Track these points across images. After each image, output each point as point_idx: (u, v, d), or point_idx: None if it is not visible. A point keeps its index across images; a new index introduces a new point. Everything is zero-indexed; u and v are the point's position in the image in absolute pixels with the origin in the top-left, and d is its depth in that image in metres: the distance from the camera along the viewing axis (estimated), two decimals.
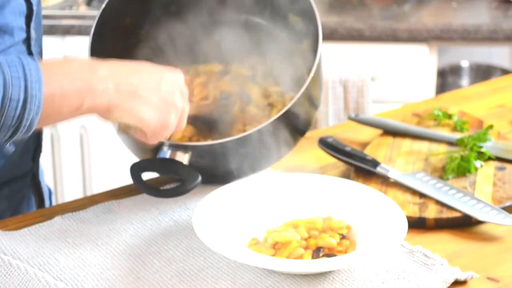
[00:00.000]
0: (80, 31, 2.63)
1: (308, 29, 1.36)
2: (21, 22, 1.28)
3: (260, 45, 1.43)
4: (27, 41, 1.30)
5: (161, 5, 1.43)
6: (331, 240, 1.16)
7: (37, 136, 1.40)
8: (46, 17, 2.64)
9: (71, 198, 1.42)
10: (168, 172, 1.26)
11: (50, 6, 2.73)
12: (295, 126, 1.29)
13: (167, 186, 1.34)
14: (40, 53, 1.37)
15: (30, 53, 1.32)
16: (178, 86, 1.18)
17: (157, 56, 1.45)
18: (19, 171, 1.38)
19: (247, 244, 1.18)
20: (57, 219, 1.27)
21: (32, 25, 1.30)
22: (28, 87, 1.08)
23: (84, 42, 2.59)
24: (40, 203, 1.47)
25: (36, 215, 1.30)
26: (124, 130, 1.20)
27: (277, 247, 1.16)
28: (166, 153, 1.24)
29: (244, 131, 1.29)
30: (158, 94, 1.15)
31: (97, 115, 1.15)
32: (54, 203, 1.50)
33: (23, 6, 1.28)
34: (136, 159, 1.29)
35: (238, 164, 1.27)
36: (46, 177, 2.02)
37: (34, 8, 1.30)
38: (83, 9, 2.75)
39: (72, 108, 1.11)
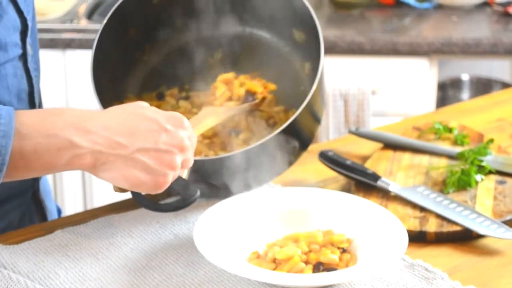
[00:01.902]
0: (80, 44, 2.63)
1: (310, 43, 1.36)
2: (16, 37, 1.27)
3: (264, 60, 1.44)
4: (24, 57, 1.30)
5: (166, 19, 1.43)
6: (333, 257, 1.15)
7: None
8: (47, 30, 2.64)
9: (72, 212, 1.42)
10: (168, 186, 1.26)
11: (50, 19, 2.73)
12: (297, 140, 1.29)
13: (167, 200, 1.34)
14: (37, 69, 1.36)
15: (26, 69, 1.31)
16: (178, 141, 1.07)
17: (160, 71, 1.45)
18: (19, 188, 1.37)
19: (247, 258, 1.18)
20: (57, 233, 1.27)
21: (28, 40, 1.30)
22: None
23: (85, 56, 2.60)
24: (44, 221, 1.45)
25: (37, 229, 1.30)
26: (120, 189, 1.12)
27: (277, 261, 1.16)
28: None
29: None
30: (155, 155, 1.05)
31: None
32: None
33: (17, 22, 1.27)
34: None
35: (239, 179, 1.27)
36: None
37: (29, 23, 1.29)
38: (84, 23, 2.76)
39: (47, 165, 1.05)
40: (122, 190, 1.11)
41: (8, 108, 1.04)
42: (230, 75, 1.37)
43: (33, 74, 1.33)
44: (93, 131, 1.05)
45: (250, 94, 1.35)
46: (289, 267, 1.14)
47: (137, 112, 1.08)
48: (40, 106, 1.39)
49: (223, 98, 1.35)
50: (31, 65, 1.32)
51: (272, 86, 1.37)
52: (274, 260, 1.16)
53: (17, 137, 1.03)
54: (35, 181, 1.42)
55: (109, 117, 1.07)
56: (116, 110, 1.08)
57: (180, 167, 1.09)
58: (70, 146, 1.04)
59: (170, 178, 1.08)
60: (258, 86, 1.36)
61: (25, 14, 1.28)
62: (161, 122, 1.07)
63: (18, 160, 1.03)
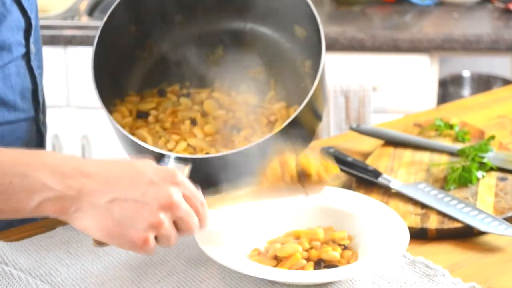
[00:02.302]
0: (82, 41, 2.63)
1: (311, 40, 1.36)
2: (20, 37, 1.27)
3: (265, 56, 1.43)
4: (27, 55, 1.30)
5: (166, 14, 1.43)
6: (334, 254, 1.15)
7: (40, 149, 1.40)
8: (48, 27, 2.64)
9: None
10: None
11: (52, 16, 2.73)
12: (298, 137, 1.29)
13: None
14: (40, 67, 1.37)
15: (29, 67, 1.31)
16: (163, 195, 1.00)
17: (161, 68, 1.45)
18: None
19: (248, 255, 1.18)
20: (58, 230, 1.27)
21: (31, 39, 1.30)
22: None
23: (86, 52, 2.60)
24: (46, 217, 1.46)
25: (38, 226, 1.30)
26: (98, 243, 1.06)
27: (278, 258, 1.16)
28: (167, 165, 1.24)
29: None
30: (132, 206, 0.98)
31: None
32: None
33: (20, 21, 1.27)
34: None
35: (240, 176, 1.27)
36: None
37: (33, 22, 1.29)
38: (85, 19, 2.76)
39: (16, 207, 1.00)
40: (101, 244, 1.05)
41: None
42: (291, 158, 1.21)
43: (36, 72, 1.33)
44: (70, 175, 0.99)
45: (303, 174, 1.20)
46: (290, 264, 1.14)
47: (126, 162, 1.02)
48: (44, 103, 1.40)
49: (274, 179, 1.29)
50: (34, 64, 1.32)
51: (335, 169, 1.21)
52: (275, 257, 1.16)
53: None
54: None
55: (92, 163, 1.02)
56: (106, 159, 1.03)
57: (173, 231, 1.01)
58: (42, 188, 0.98)
59: (151, 237, 0.99)
60: (314, 167, 1.19)
61: (29, 13, 1.28)
62: (147, 173, 1.00)
63: None
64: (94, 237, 1.02)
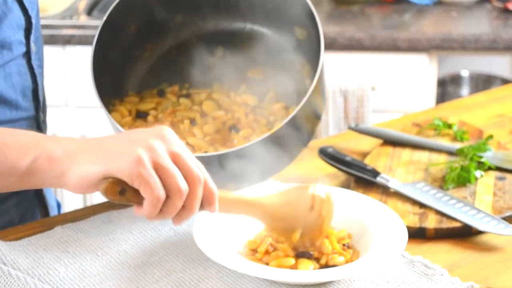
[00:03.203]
0: (80, 41, 2.64)
1: (310, 40, 1.36)
2: (20, 36, 1.27)
3: (264, 57, 1.43)
4: (27, 54, 1.30)
5: (166, 14, 1.43)
6: (340, 259, 1.15)
7: None
8: (47, 27, 2.64)
9: (72, 208, 1.42)
10: None
11: (50, 16, 2.73)
12: (297, 137, 1.29)
13: None
14: (41, 66, 1.37)
15: (30, 66, 1.31)
16: (156, 133, 1.03)
17: (161, 68, 1.45)
18: None
19: (247, 255, 1.18)
20: (57, 229, 1.27)
21: (32, 38, 1.30)
22: None
23: (84, 52, 2.60)
24: (46, 216, 1.46)
25: (36, 225, 1.30)
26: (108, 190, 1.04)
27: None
28: None
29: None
30: (124, 141, 1.02)
31: (54, 183, 1.04)
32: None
33: (21, 20, 1.27)
34: None
35: (239, 176, 1.27)
36: None
37: (33, 21, 1.29)
38: (83, 19, 2.76)
39: (11, 165, 1.02)
40: (113, 194, 1.03)
41: None
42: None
43: (37, 71, 1.33)
44: (63, 138, 1.04)
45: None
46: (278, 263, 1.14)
47: (121, 135, 1.06)
48: (44, 102, 1.40)
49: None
50: (34, 63, 1.32)
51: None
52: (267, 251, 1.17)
53: None
54: None
55: (84, 139, 1.06)
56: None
57: (168, 160, 1.01)
58: (36, 146, 1.02)
59: (144, 156, 0.99)
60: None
61: (30, 11, 1.29)
62: (137, 131, 1.05)
63: None
64: (93, 176, 1.01)
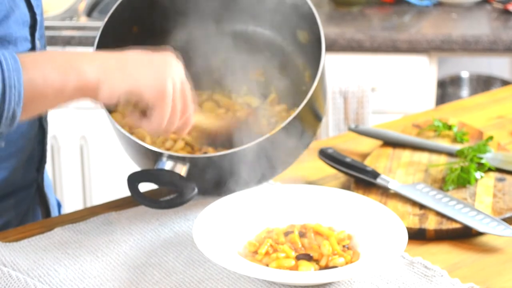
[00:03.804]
0: (80, 42, 2.63)
1: (311, 42, 1.36)
2: (25, 32, 1.28)
3: (266, 59, 1.43)
4: (32, 51, 1.30)
5: (168, 15, 1.43)
6: (340, 261, 1.15)
7: (42, 147, 1.40)
8: (47, 28, 2.64)
9: (71, 210, 1.42)
10: (165, 183, 1.26)
11: (50, 17, 2.73)
12: (298, 138, 1.29)
13: (167, 198, 1.34)
14: None
15: None
16: (171, 62, 1.17)
17: None
18: (23, 182, 1.38)
19: (247, 256, 1.18)
20: (57, 230, 1.27)
21: (37, 35, 1.30)
22: (6, 78, 1.06)
23: None
24: (47, 215, 1.46)
25: (36, 227, 1.30)
26: (124, 111, 1.17)
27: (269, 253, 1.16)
28: (165, 163, 1.24)
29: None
30: (150, 66, 1.14)
31: (88, 97, 1.13)
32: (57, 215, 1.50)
33: (27, 16, 1.28)
34: (136, 168, 1.29)
35: (239, 176, 1.27)
36: None
37: (38, 18, 1.30)
38: (83, 20, 2.76)
39: (57, 90, 1.09)
40: (129, 118, 1.18)
41: (9, 51, 1.09)
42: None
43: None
44: (88, 55, 1.14)
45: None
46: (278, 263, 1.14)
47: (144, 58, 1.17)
48: None
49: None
50: None
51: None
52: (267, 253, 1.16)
53: (25, 71, 1.08)
54: (39, 175, 1.42)
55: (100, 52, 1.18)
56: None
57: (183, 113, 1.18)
58: (74, 67, 1.10)
59: (169, 86, 1.14)
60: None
61: (35, 8, 1.29)
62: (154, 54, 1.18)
63: (31, 91, 1.08)
64: (123, 92, 1.13)
